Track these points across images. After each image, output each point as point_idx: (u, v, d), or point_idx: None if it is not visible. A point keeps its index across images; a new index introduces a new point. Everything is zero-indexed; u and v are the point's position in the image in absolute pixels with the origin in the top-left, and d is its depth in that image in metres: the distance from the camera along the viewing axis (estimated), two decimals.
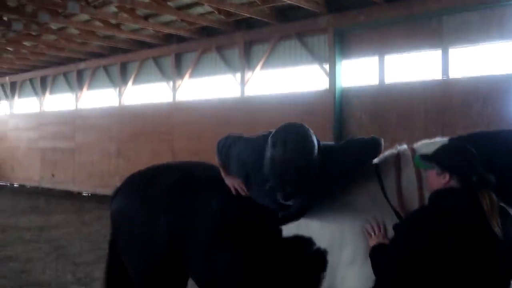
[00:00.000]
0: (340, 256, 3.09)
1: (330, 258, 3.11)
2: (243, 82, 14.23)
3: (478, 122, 9.87)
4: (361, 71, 12.13)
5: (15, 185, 23.24)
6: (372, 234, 2.94)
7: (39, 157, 21.77)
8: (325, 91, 12.43)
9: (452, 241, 2.52)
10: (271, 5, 12.64)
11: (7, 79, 23.83)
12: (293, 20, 13.01)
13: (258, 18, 12.94)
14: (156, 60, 16.93)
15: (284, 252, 3.20)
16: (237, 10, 12.48)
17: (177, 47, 15.97)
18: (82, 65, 19.63)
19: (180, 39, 15.70)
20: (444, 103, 10.59)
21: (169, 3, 13.04)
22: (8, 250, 9.11)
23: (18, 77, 23.26)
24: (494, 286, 2.58)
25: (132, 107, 17.73)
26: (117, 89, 18.30)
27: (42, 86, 22.05)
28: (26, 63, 20.89)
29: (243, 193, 3.34)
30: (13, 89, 24.07)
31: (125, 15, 13.63)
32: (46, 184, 21.26)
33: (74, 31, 15.73)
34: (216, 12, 13.38)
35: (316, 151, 2.87)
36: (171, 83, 16.36)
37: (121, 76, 18.09)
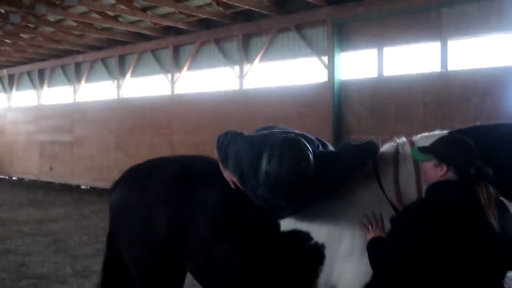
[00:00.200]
0: (338, 251, 3.09)
1: (327, 252, 3.11)
2: (241, 75, 14.20)
3: (477, 115, 9.86)
4: (360, 64, 12.12)
5: (13, 179, 23.23)
6: (370, 227, 2.93)
7: (37, 151, 21.74)
8: (324, 83, 12.41)
9: (449, 233, 2.52)
10: None
11: (4, 71, 23.75)
12: (291, 12, 12.97)
13: (257, 10, 12.88)
14: (154, 52, 16.88)
15: (282, 246, 3.20)
16: (236, 2, 12.41)
17: (176, 39, 15.92)
18: (80, 58, 19.57)
19: (178, 32, 15.64)
20: (443, 96, 10.58)
21: None
22: (7, 243, 9.12)
23: (15, 70, 23.18)
24: (490, 278, 2.58)
25: (131, 100, 17.70)
26: (115, 82, 18.25)
27: (40, 79, 21.98)
28: (23, 56, 20.81)
29: (242, 188, 3.34)
30: (11, 82, 24.00)
31: (123, 7, 13.56)
32: (45, 178, 21.25)
33: (71, 23, 15.66)
34: (215, 4, 13.33)
35: (311, 167, 2.88)
36: (169, 75, 16.33)
37: (119, 69, 18.03)
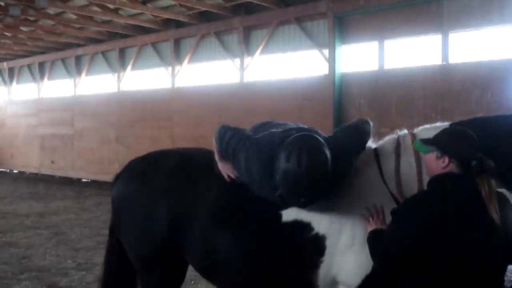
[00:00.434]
0: (338, 242, 3.10)
1: (328, 243, 3.12)
2: (242, 68, 14.18)
3: (478, 108, 9.85)
4: (361, 56, 12.09)
5: (14, 172, 23.26)
6: (370, 219, 2.94)
7: (38, 144, 21.75)
8: (325, 76, 12.40)
9: (450, 226, 2.52)
10: None
11: (5, 64, 23.72)
12: (292, 4, 12.93)
13: (257, 2, 12.85)
14: (154, 45, 16.84)
15: (283, 237, 3.21)
16: None
17: (176, 32, 15.88)
18: (80, 51, 19.53)
19: (178, 24, 15.61)
20: (443, 89, 10.56)
21: None
22: (9, 236, 9.14)
23: (16, 63, 23.16)
24: (491, 272, 2.59)
25: (131, 93, 17.68)
26: (116, 75, 18.23)
27: (40, 72, 21.96)
28: (24, 49, 20.78)
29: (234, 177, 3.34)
30: (11, 75, 23.98)
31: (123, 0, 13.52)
32: (46, 171, 21.27)
33: (71, 16, 15.62)
34: None
35: (330, 161, 2.88)
36: (170, 68, 16.30)
37: (119, 62, 18.00)
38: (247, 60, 14.13)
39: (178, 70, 16.04)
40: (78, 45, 19.36)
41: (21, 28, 17.19)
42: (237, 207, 3.35)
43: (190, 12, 14.60)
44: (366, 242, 2.87)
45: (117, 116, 17.94)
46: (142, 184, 3.68)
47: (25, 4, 13.51)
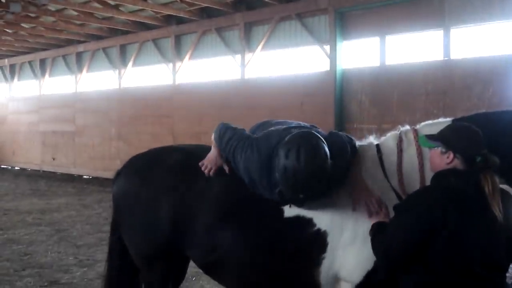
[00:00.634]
0: (340, 238, 3.10)
1: (330, 239, 3.12)
2: (243, 64, 14.15)
3: (480, 103, 9.82)
4: (362, 52, 12.06)
5: (16, 169, 23.28)
6: (372, 214, 2.94)
7: (39, 141, 21.75)
8: (326, 72, 12.37)
9: (452, 222, 2.51)
10: None
11: (6, 61, 23.71)
12: (293, 0, 12.89)
13: None
14: (155, 42, 16.82)
15: (285, 232, 3.22)
16: None
17: (177, 28, 15.85)
18: (81, 47, 19.51)
19: (179, 21, 15.58)
20: (445, 84, 10.54)
21: None
22: (10, 233, 9.16)
23: (17, 60, 23.14)
24: (492, 268, 2.58)
25: (132, 90, 17.66)
26: (117, 71, 18.21)
27: (42, 68, 21.94)
28: (25, 45, 20.77)
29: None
30: (12, 72, 23.97)
31: None
32: (47, 168, 21.29)
33: (72, 12, 15.60)
34: None
35: (329, 158, 2.89)
36: (171, 65, 16.28)
37: (120, 58, 17.99)
38: (248, 56, 14.10)
39: (179, 67, 16.02)
40: (79, 42, 19.34)
41: (22, 24, 17.17)
42: (239, 203, 3.36)
43: (191, 8, 14.57)
44: (368, 238, 2.86)
45: (118, 112, 17.93)
46: (143, 180, 3.67)
47: (26, 0, 13.50)
